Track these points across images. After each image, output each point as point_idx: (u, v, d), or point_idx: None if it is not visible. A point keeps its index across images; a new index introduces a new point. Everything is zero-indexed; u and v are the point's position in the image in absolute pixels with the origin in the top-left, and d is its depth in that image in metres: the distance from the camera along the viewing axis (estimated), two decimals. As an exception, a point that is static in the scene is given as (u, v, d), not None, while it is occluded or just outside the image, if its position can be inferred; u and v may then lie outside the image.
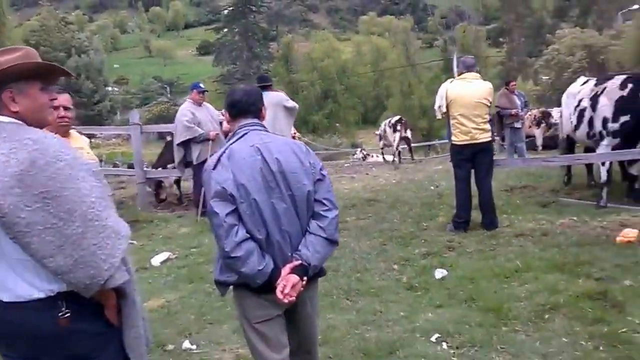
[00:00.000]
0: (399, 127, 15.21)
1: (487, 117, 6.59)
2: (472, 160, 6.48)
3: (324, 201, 2.68)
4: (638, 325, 3.65)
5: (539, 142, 15.81)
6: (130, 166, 13.07)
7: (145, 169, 9.62)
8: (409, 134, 15.79)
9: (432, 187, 9.52)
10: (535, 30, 56.04)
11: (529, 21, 57.65)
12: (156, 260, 6.29)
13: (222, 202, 2.53)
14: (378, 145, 17.50)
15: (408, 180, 10.80)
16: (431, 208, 7.75)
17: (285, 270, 2.56)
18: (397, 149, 15.32)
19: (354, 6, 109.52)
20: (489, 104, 6.57)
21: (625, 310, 3.87)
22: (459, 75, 6.83)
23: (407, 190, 9.38)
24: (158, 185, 9.86)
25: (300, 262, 2.58)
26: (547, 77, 31.53)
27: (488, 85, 6.63)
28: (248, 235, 2.53)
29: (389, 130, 15.66)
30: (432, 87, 42.11)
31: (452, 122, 6.56)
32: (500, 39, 61.24)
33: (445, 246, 5.94)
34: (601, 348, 3.49)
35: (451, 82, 6.80)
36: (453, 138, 6.61)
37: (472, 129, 6.37)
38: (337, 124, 51.95)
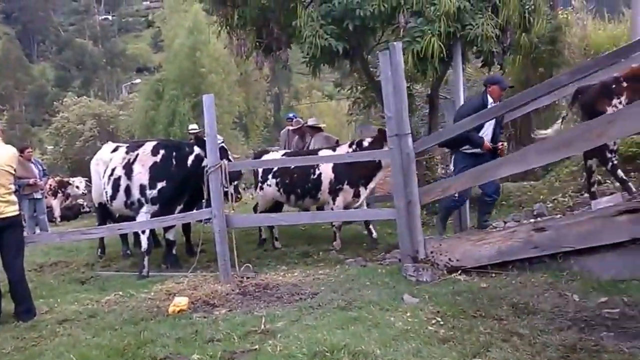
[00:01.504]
0: None
1: (13, 187, 5.63)
2: (-2, 238, 5.39)
3: None
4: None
5: (57, 212, 15.15)
6: None
7: None
8: None
9: None
10: (38, 99, 54.97)
11: (30, 89, 56.24)
12: None
13: None
14: None
15: None
16: None
17: None
18: None
19: None
20: (13, 172, 5.62)
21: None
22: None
23: None
24: None
25: None
26: (52, 147, 30.92)
27: (12, 150, 5.70)
28: None
29: None
30: None
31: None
32: (0, 106, 57.76)
33: (-32, 351, 4.63)
34: None
35: (-38, 146, 5.52)
36: (-32, 214, 5.38)
37: (-5, 202, 5.32)
38: None
